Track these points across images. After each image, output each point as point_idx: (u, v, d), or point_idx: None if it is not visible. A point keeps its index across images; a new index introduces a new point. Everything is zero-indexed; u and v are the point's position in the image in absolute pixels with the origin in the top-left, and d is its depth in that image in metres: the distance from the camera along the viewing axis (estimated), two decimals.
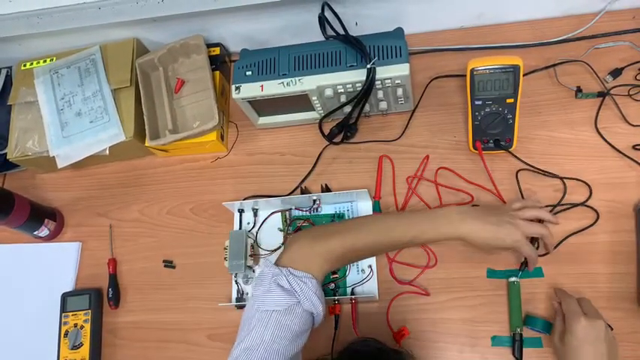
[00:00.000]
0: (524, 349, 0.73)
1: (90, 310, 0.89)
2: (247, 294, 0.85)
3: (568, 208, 0.80)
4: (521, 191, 0.82)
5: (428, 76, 0.93)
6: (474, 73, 0.78)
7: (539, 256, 0.76)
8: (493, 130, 0.82)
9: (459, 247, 0.80)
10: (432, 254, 0.81)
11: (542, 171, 0.82)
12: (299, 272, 0.65)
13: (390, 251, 0.82)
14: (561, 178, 0.81)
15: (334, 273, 0.82)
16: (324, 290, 0.81)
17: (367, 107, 0.87)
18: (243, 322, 0.65)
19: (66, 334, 0.88)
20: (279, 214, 0.88)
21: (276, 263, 0.67)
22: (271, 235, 0.87)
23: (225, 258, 0.83)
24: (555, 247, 0.77)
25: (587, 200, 0.79)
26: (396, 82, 0.82)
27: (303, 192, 0.90)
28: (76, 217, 1.00)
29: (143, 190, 0.98)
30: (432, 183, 0.86)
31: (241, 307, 0.84)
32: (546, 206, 0.80)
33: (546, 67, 0.89)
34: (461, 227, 0.69)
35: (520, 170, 0.83)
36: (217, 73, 0.97)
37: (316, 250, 0.68)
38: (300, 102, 0.87)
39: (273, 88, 0.84)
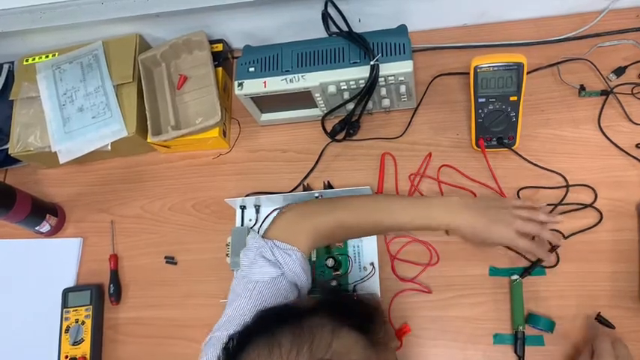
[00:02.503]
0: (526, 347, 0.73)
1: (91, 306, 0.89)
2: None
3: (572, 211, 0.79)
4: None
5: (431, 73, 0.93)
6: (478, 70, 0.78)
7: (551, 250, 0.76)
8: (496, 128, 0.82)
9: (460, 245, 0.80)
10: (435, 252, 0.81)
11: (545, 169, 0.82)
12: (284, 245, 0.65)
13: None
14: (564, 177, 0.81)
15: (336, 270, 0.82)
16: (325, 285, 0.81)
17: (370, 104, 0.87)
18: (232, 289, 0.66)
19: (67, 330, 0.88)
20: None
21: (263, 236, 0.67)
22: None
23: (227, 254, 0.83)
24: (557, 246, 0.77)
25: (593, 202, 0.79)
26: (400, 79, 0.82)
27: (305, 189, 0.90)
28: (77, 213, 1.00)
29: (145, 186, 0.98)
30: (434, 180, 0.86)
31: None
32: (549, 204, 0.80)
33: (550, 66, 0.89)
34: (456, 218, 0.69)
35: (522, 189, 0.82)
36: (220, 69, 0.96)
37: (303, 225, 0.68)
38: (303, 99, 0.87)
39: (275, 84, 0.84)
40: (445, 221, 0.69)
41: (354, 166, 0.90)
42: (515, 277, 0.76)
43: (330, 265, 0.81)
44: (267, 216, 0.88)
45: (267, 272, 0.63)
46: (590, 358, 0.66)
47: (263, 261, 0.64)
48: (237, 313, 0.61)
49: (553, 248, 0.76)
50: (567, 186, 0.80)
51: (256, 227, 0.88)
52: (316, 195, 0.84)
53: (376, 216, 0.70)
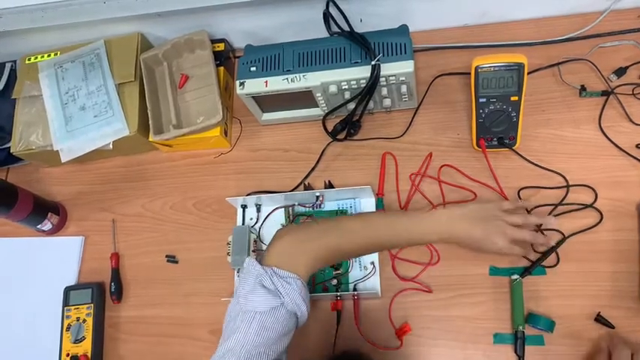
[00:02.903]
0: (526, 347, 0.73)
1: (92, 304, 0.89)
2: None
3: (572, 211, 0.79)
4: (526, 210, 0.81)
5: (432, 73, 0.93)
6: (479, 70, 0.78)
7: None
8: (497, 128, 0.82)
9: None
10: (435, 251, 0.81)
11: (546, 169, 0.82)
12: (283, 272, 0.62)
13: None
14: (564, 177, 0.81)
15: (337, 269, 0.82)
16: (325, 286, 0.82)
17: (371, 104, 0.87)
18: (228, 319, 0.63)
19: (68, 328, 0.88)
20: (282, 210, 0.88)
21: (261, 262, 0.65)
22: (274, 231, 0.86)
23: (228, 253, 0.84)
24: (558, 246, 0.77)
25: (594, 202, 0.79)
26: (401, 79, 0.82)
27: (306, 188, 0.90)
28: (79, 212, 1.00)
29: (146, 185, 0.98)
30: (435, 180, 0.86)
31: None
32: (549, 205, 0.80)
33: (551, 66, 0.89)
34: (449, 231, 0.70)
35: (523, 189, 0.82)
36: (221, 68, 0.97)
37: (302, 249, 0.66)
38: (304, 98, 0.87)
39: (277, 84, 0.84)
40: (442, 235, 0.70)
41: (355, 166, 0.90)
42: (515, 276, 0.76)
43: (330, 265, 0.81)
44: (267, 216, 0.88)
45: (267, 302, 0.61)
46: None
47: (262, 290, 0.61)
48: (237, 346, 0.59)
49: (552, 249, 0.76)
50: (568, 186, 0.81)
51: (257, 226, 0.88)
52: (317, 194, 0.84)
53: (373, 236, 0.70)
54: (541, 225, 0.79)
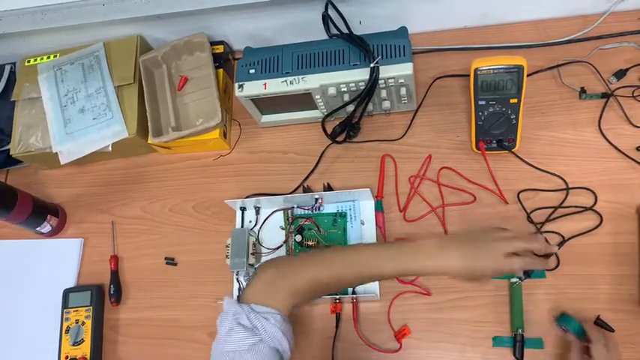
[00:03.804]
0: (525, 350, 0.73)
1: (91, 307, 0.89)
2: None
3: (572, 213, 0.79)
4: (525, 212, 0.81)
5: (431, 75, 0.93)
6: (478, 73, 0.78)
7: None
8: (496, 131, 0.82)
9: None
10: None
11: (545, 172, 0.82)
12: (261, 308, 0.61)
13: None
14: (564, 180, 0.81)
15: None
16: None
17: (370, 106, 0.87)
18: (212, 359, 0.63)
19: (67, 330, 0.88)
20: (281, 212, 0.88)
21: (239, 299, 0.64)
22: (273, 234, 0.87)
23: (226, 256, 0.83)
24: (557, 248, 0.77)
25: (593, 205, 0.79)
26: (400, 81, 0.82)
27: (305, 190, 0.90)
28: (78, 214, 1.00)
29: (145, 187, 0.98)
30: (434, 183, 0.86)
31: None
32: (548, 208, 0.80)
33: (550, 68, 0.89)
34: (439, 263, 0.64)
35: (522, 191, 0.82)
36: (221, 70, 0.97)
37: (279, 284, 0.64)
38: (303, 100, 0.87)
39: (276, 86, 0.84)
40: (430, 268, 0.65)
41: (354, 168, 0.90)
42: (514, 279, 0.76)
43: None
44: (266, 218, 0.88)
45: (245, 340, 0.60)
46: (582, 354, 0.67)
47: (239, 328, 0.60)
48: None
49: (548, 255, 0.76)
50: (567, 189, 0.80)
51: (256, 229, 0.88)
52: (316, 197, 0.84)
53: (357, 268, 0.66)
54: (541, 226, 0.79)
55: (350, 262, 0.67)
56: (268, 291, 0.64)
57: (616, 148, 0.82)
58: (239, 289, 0.85)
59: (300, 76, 0.83)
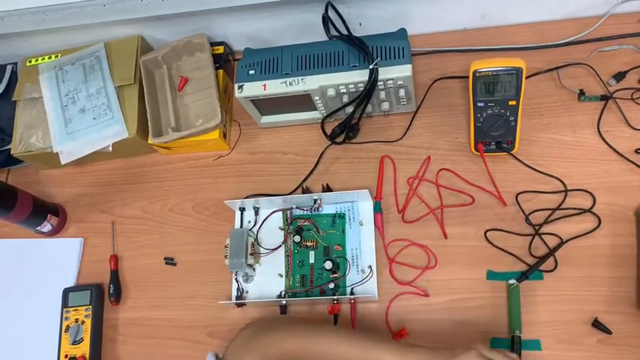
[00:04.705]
0: (522, 352, 0.73)
1: (91, 306, 0.89)
2: (247, 292, 0.85)
3: (570, 215, 0.79)
4: (524, 214, 0.81)
5: (430, 77, 0.93)
6: (477, 74, 0.78)
7: None
8: (495, 132, 0.82)
9: (458, 249, 0.80)
10: (432, 255, 0.81)
11: (544, 173, 0.82)
12: None
13: None
14: (563, 182, 0.81)
15: (334, 272, 0.82)
16: (323, 290, 0.82)
17: (369, 108, 0.88)
18: None
19: (67, 330, 0.89)
20: (280, 213, 0.88)
21: (221, 356, 0.69)
22: (272, 234, 0.87)
23: (225, 256, 0.84)
24: (555, 250, 0.77)
25: (592, 207, 0.79)
26: (399, 82, 0.82)
27: (304, 191, 0.90)
28: (78, 214, 1.00)
29: (145, 188, 0.99)
30: (433, 184, 0.86)
31: (241, 305, 0.84)
32: (547, 210, 0.80)
33: (549, 70, 0.89)
34: None
35: (521, 193, 0.82)
36: (221, 71, 0.97)
37: (253, 347, 0.68)
38: (303, 102, 0.87)
39: (275, 87, 0.84)
40: None
41: (354, 169, 0.90)
42: (512, 281, 0.76)
43: (328, 268, 0.81)
44: (265, 219, 0.88)
45: None
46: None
47: None
48: None
49: (550, 253, 0.76)
50: (566, 191, 0.81)
51: (255, 229, 0.88)
52: (315, 198, 0.85)
53: (333, 351, 0.67)
54: (540, 227, 0.79)
55: (334, 344, 0.68)
56: (240, 353, 0.68)
57: (615, 150, 0.82)
58: (238, 289, 0.85)
59: (300, 78, 0.84)
